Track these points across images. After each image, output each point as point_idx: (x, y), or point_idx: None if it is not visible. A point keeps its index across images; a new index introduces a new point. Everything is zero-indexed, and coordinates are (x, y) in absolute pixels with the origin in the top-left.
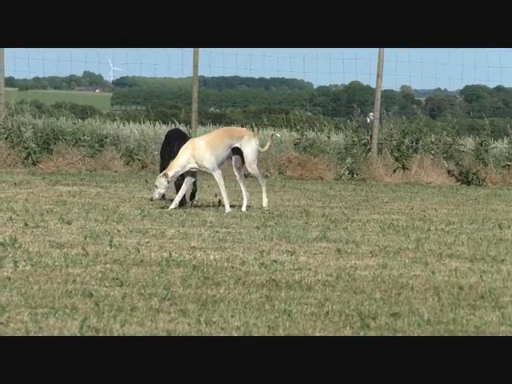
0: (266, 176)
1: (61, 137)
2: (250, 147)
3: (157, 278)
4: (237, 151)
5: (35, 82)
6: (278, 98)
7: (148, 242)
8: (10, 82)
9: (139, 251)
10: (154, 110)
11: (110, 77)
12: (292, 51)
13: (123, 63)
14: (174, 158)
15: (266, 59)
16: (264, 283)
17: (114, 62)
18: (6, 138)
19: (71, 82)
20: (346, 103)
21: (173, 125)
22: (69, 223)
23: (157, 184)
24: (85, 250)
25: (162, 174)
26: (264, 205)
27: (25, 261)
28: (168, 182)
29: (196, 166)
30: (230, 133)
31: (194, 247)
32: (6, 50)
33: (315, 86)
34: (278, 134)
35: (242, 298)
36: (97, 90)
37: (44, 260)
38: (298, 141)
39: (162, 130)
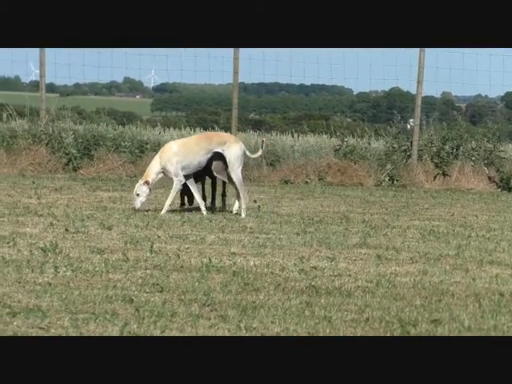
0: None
1: (101, 143)
2: (232, 153)
3: (197, 283)
4: (219, 157)
5: (76, 87)
6: (318, 104)
7: (188, 248)
8: (51, 87)
9: (179, 257)
10: (194, 116)
11: (150, 83)
12: (332, 58)
13: (164, 69)
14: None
15: (306, 66)
16: (304, 289)
17: (155, 69)
18: (47, 144)
19: (111, 87)
20: (386, 109)
21: (212, 131)
22: (109, 229)
23: (139, 192)
24: (125, 255)
25: (142, 182)
26: (234, 210)
27: (65, 266)
28: (150, 190)
29: (165, 171)
30: (210, 138)
31: (233, 253)
32: (46, 55)
33: (355, 92)
34: (265, 139)
35: (281, 304)
36: (137, 96)
37: (84, 265)
38: (338, 147)
39: None
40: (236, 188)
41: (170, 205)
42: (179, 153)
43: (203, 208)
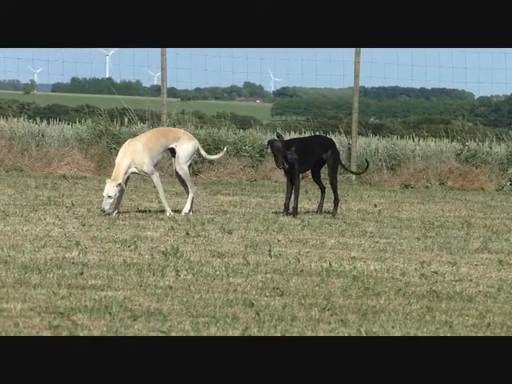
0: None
1: (222, 147)
2: (184, 149)
3: (317, 288)
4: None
5: (196, 92)
6: (439, 109)
7: (308, 252)
8: (172, 92)
9: (299, 261)
10: (314, 120)
11: (270, 87)
12: (454, 61)
13: (284, 73)
14: (291, 166)
15: (427, 69)
16: (424, 294)
17: (276, 73)
18: None
19: (232, 92)
20: (508, 114)
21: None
22: (229, 233)
23: (111, 194)
24: (245, 259)
25: (114, 183)
26: (184, 212)
27: (186, 270)
28: (123, 190)
29: (136, 170)
30: (166, 133)
31: (354, 257)
32: (168, 60)
33: (476, 97)
34: (225, 148)
35: (402, 309)
36: (257, 101)
37: (205, 269)
38: (459, 151)
39: None
40: (183, 183)
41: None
42: (147, 151)
43: (167, 209)
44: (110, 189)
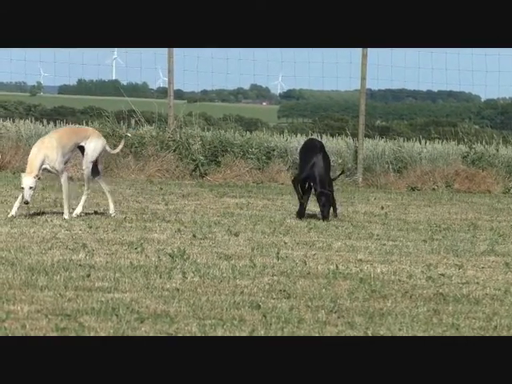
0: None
1: (229, 149)
2: (93, 147)
3: (323, 290)
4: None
5: (203, 94)
6: (445, 111)
7: (315, 255)
8: (179, 94)
9: (306, 263)
10: (320, 122)
11: (277, 89)
12: (461, 63)
13: (291, 76)
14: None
15: (434, 72)
16: (431, 297)
17: (282, 75)
18: (175, 150)
19: (238, 94)
20: None
21: (339, 137)
22: (236, 235)
23: (32, 185)
24: (252, 261)
25: (33, 175)
26: (75, 213)
27: (193, 272)
28: (40, 179)
29: (48, 167)
30: (77, 131)
31: (360, 260)
32: (175, 62)
33: (483, 99)
34: (129, 134)
35: (409, 312)
36: (264, 103)
37: (212, 271)
38: (466, 154)
39: (329, 142)
40: (103, 185)
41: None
42: (60, 148)
43: (66, 211)
44: (30, 180)
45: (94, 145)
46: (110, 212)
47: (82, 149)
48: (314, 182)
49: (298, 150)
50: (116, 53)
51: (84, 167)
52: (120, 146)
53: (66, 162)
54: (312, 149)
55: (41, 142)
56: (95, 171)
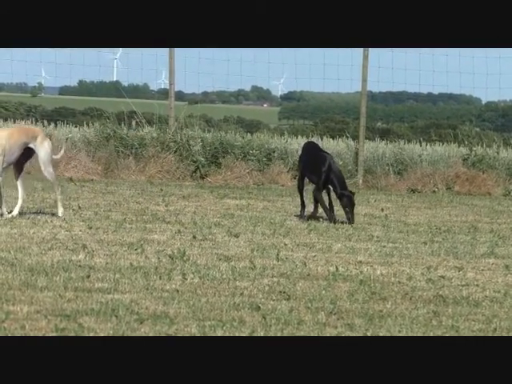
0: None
1: (229, 150)
2: (44, 149)
3: (323, 292)
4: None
5: (204, 96)
6: (446, 114)
7: (315, 256)
8: (180, 96)
9: (306, 265)
10: (321, 124)
11: (277, 91)
12: (462, 66)
13: (292, 78)
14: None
15: (435, 74)
16: (431, 299)
17: (283, 77)
18: (175, 152)
19: (239, 96)
20: None
21: (340, 139)
22: (236, 236)
23: None
24: (252, 263)
25: None
26: (59, 214)
27: (193, 273)
28: None
29: None
30: (26, 132)
31: (360, 262)
32: (176, 63)
33: (484, 102)
34: (70, 135)
35: (408, 314)
36: (265, 105)
37: (212, 273)
38: (466, 156)
39: (330, 144)
40: (20, 187)
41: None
42: (6, 148)
43: (3, 211)
44: None
45: (46, 148)
46: (4, 214)
47: (29, 150)
48: (333, 184)
49: (300, 154)
50: (117, 53)
51: (45, 174)
52: (61, 152)
53: (11, 164)
54: (317, 151)
55: None
56: (19, 169)
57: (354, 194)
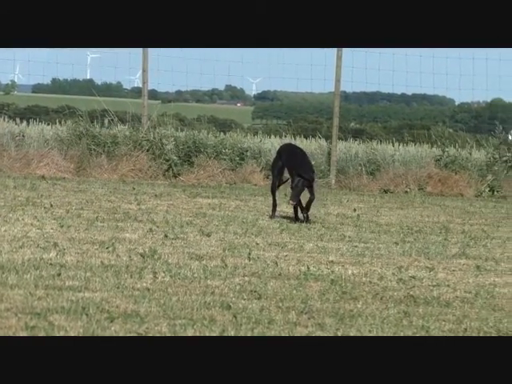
0: None
1: (202, 150)
2: None
3: (294, 291)
4: None
5: (177, 95)
6: (419, 114)
7: (286, 256)
8: (153, 94)
9: (277, 264)
10: (294, 124)
11: (251, 91)
12: (436, 67)
13: (266, 77)
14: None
15: (408, 75)
16: (402, 299)
17: (257, 76)
18: (148, 150)
19: (213, 95)
20: (488, 120)
21: (313, 139)
22: (208, 235)
23: None
24: (224, 262)
25: None
26: None
27: (164, 272)
28: None
29: None
30: None
31: (332, 261)
32: (149, 62)
33: (457, 103)
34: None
35: (379, 314)
36: (238, 104)
37: (183, 271)
38: (439, 157)
39: (303, 144)
40: None
41: None
42: None
43: None
44: None
45: None
46: None
47: None
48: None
49: (276, 155)
50: (92, 52)
51: None
52: None
53: None
54: (296, 149)
55: None
56: None
57: (311, 181)
